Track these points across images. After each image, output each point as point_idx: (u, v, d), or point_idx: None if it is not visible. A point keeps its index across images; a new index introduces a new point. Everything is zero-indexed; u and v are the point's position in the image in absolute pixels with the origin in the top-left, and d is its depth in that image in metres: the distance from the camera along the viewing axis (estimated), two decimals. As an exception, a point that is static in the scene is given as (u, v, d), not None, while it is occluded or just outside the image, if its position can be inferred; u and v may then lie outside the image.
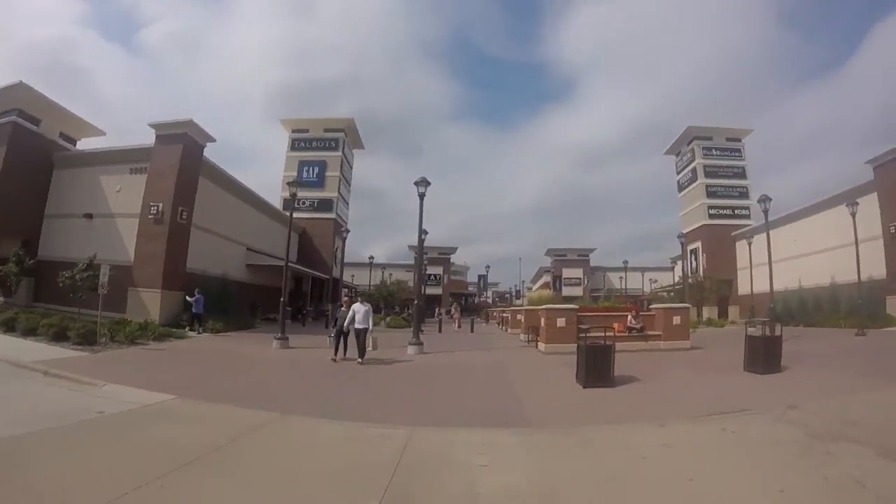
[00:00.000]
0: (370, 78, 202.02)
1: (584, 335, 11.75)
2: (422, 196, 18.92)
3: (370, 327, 14.76)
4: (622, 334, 16.99)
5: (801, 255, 37.54)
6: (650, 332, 18.21)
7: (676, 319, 18.50)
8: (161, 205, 24.90)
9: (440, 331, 32.01)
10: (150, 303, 23.66)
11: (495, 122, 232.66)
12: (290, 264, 36.39)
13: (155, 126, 26.18)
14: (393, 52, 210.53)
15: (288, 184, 25.74)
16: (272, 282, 35.69)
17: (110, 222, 27.04)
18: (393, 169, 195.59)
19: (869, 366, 12.80)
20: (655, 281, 71.44)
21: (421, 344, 17.11)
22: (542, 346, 17.68)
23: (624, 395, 9.84)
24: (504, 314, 39.08)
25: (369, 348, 15.14)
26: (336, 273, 49.87)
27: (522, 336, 23.39)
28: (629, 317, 18.31)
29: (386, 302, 47.29)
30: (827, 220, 35.60)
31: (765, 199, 23.72)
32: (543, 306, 18.32)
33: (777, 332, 12.73)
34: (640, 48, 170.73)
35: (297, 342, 19.19)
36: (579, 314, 17.59)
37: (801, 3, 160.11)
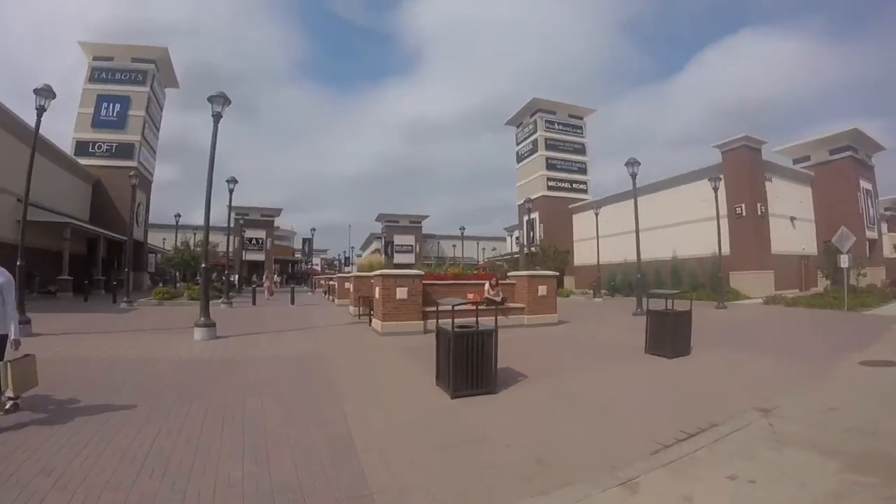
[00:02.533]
0: (210, 26, 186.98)
1: (437, 310, 8.88)
2: (216, 116, 13.39)
3: (13, 334, 5.82)
4: (477, 307, 13.89)
5: (646, 229, 37.31)
6: (512, 305, 15.23)
7: (542, 289, 15.83)
8: None
9: (254, 303, 27.09)
10: None
11: (337, 87, 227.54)
12: (78, 222, 31.36)
13: None
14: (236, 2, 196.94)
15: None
16: (54, 244, 29.48)
17: None
18: (227, 129, 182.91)
19: (768, 341, 12.75)
20: (494, 249, 70.70)
21: (212, 325, 12.42)
22: (377, 324, 13.81)
23: (517, 410, 6.29)
24: (331, 282, 34.90)
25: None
26: (138, 234, 42.55)
27: (352, 309, 19.60)
28: (486, 286, 15.11)
29: (188, 268, 41.08)
30: (675, 197, 37.90)
31: (633, 163, 21.81)
32: (377, 272, 14.38)
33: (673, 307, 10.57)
34: (486, 35, 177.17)
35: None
36: (424, 283, 13.99)
37: (639, 16, 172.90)
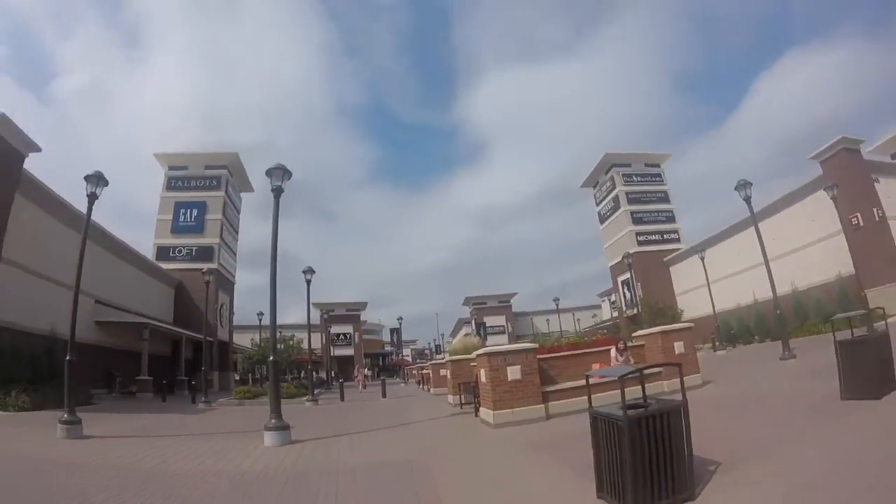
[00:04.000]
0: (286, 143, 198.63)
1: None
2: (276, 192, 11.67)
3: None
4: (603, 380, 11.30)
5: (748, 267, 33.80)
6: (648, 370, 12.29)
7: (679, 346, 12.96)
8: None
9: (342, 398, 24.81)
10: None
11: (407, 185, 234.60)
12: (156, 322, 30.87)
13: None
14: (309, 118, 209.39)
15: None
16: (134, 345, 29.02)
17: None
18: (308, 232, 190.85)
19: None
20: (594, 315, 66.68)
21: (284, 428, 10.21)
22: (486, 413, 10.98)
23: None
24: (424, 371, 32.43)
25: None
26: (223, 334, 42.23)
27: (451, 398, 16.99)
28: (612, 353, 12.36)
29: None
30: (777, 226, 32.60)
31: (744, 185, 19.61)
32: (480, 351, 11.70)
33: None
34: (543, 116, 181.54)
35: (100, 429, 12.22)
36: (539, 357, 11.22)
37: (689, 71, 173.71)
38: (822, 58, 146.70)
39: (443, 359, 23.56)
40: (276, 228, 11.37)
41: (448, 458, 7.97)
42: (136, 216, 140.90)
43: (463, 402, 15.19)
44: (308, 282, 24.28)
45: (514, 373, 10.33)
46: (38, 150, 20.76)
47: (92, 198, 13.34)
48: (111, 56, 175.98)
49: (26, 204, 20.88)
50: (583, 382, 10.67)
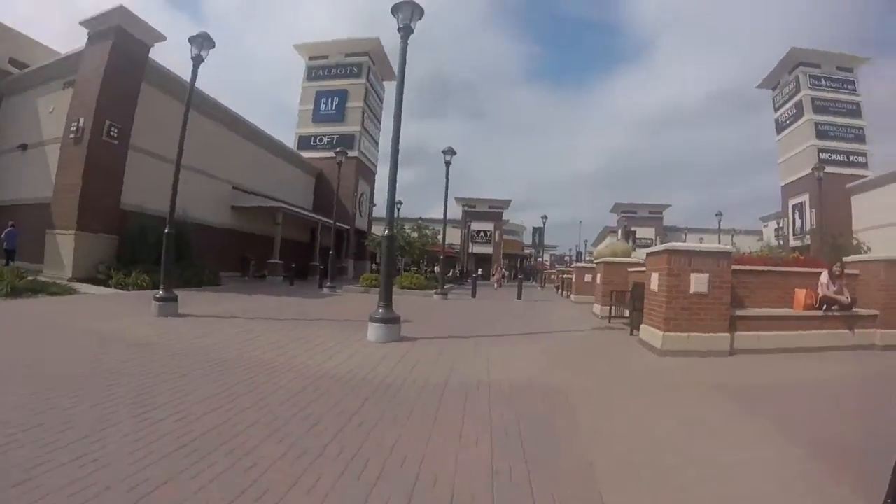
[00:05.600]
0: (441, 38, 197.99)
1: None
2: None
3: None
4: (808, 312, 8.65)
5: None
6: (860, 312, 9.09)
7: None
8: (81, 119, 18.41)
9: (474, 295, 23.03)
10: (64, 249, 17.83)
11: (565, 84, 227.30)
12: (289, 206, 30.36)
13: (86, 24, 19.42)
14: (465, 12, 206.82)
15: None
16: (269, 230, 29.46)
17: (40, 151, 21.34)
18: (458, 133, 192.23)
19: None
20: (759, 240, 60.07)
21: (394, 320, 8.42)
22: (650, 333, 8.40)
23: None
24: (565, 275, 29.97)
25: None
26: (362, 223, 42.06)
27: (598, 308, 14.50)
28: (823, 278, 9.19)
29: (404, 254, 39.08)
30: None
31: None
32: (659, 247, 8.88)
33: None
34: (721, 6, 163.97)
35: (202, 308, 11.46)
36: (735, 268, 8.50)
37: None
38: None
39: (590, 262, 21.17)
40: (403, 73, 9.41)
41: (600, 392, 5.59)
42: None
43: (613, 314, 12.80)
44: (447, 163, 22.23)
45: (699, 283, 7.70)
46: (163, 39, 20.58)
47: (197, 60, 11.95)
48: None
49: (153, 92, 20.77)
50: (785, 311, 7.93)
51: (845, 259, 10.67)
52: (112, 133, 18.85)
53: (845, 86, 43.73)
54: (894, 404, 5.47)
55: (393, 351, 7.29)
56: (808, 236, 38.02)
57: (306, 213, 33.68)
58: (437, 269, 31.68)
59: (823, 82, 43.38)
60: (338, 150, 26.50)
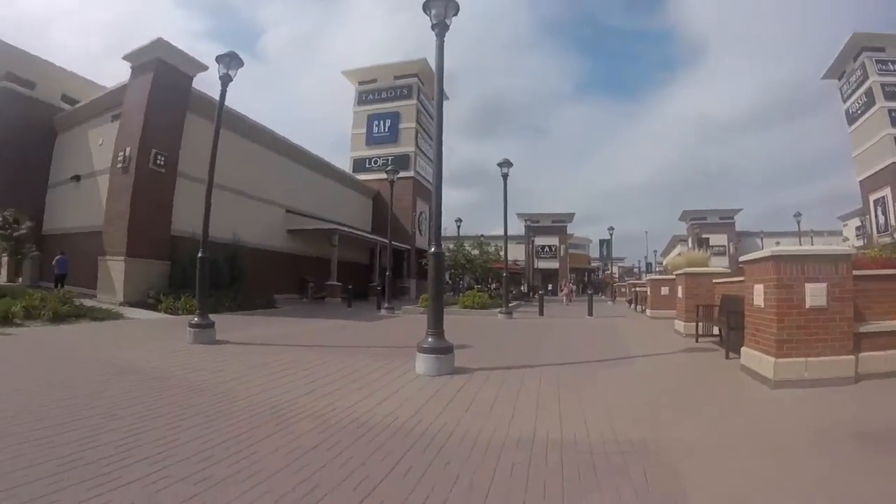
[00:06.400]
0: (493, 62, 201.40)
1: None
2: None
3: None
4: None
5: None
6: None
7: None
8: (128, 149, 19.33)
9: (541, 313, 21.42)
10: (115, 274, 18.61)
11: (618, 94, 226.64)
12: (345, 228, 30.29)
13: (128, 57, 20.51)
14: (514, 35, 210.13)
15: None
16: (326, 252, 29.72)
17: (93, 182, 22.60)
18: (516, 152, 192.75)
19: None
20: (846, 240, 55.99)
21: (446, 351, 7.14)
22: (759, 360, 6.68)
23: None
24: (638, 289, 28.10)
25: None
26: (422, 243, 41.58)
27: (681, 325, 12.94)
28: None
29: (465, 271, 37.85)
30: None
31: None
32: (764, 253, 6.81)
33: None
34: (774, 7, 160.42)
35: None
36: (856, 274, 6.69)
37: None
38: None
39: (664, 273, 19.53)
40: (442, 72, 8.44)
41: (714, 453, 4.04)
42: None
43: (701, 332, 11.28)
44: (504, 176, 21.03)
45: (815, 295, 6.14)
46: (205, 69, 21.21)
47: (225, 79, 11.47)
48: (309, 8, 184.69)
49: (199, 121, 21.02)
50: None
51: None
52: (159, 161, 19.44)
53: None
54: None
55: (443, 387, 6.10)
56: (893, 233, 35.14)
57: (363, 233, 33.55)
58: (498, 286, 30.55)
59: (891, 66, 40.27)
60: (389, 168, 25.96)
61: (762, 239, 59.35)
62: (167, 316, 15.90)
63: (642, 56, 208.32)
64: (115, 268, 18.40)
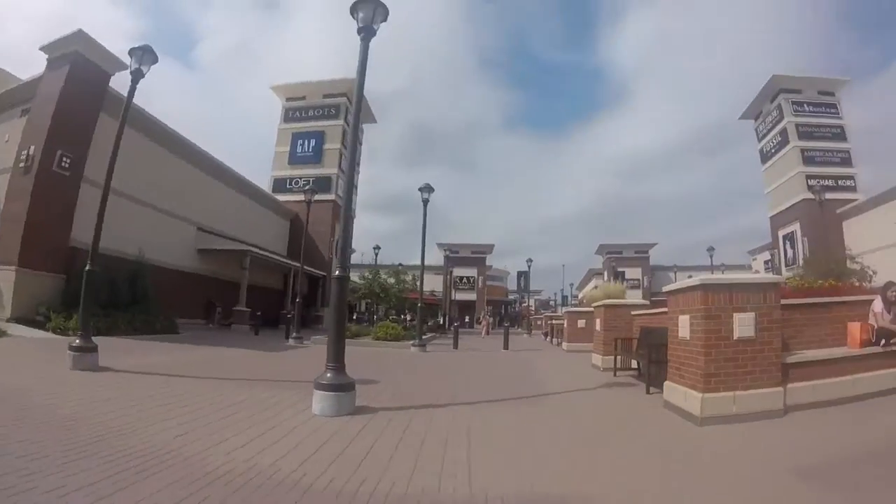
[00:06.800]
0: (426, 91, 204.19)
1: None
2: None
3: None
4: (865, 350, 6.96)
5: None
6: None
7: None
8: (31, 147, 17.73)
9: (455, 346, 20.97)
10: (4, 285, 16.75)
11: (545, 130, 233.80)
12: (258, 251, 28.23)
13: (45, 49, 18.97)
14: (450, 64, 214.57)
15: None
16: (238, 275, 27.44)
17: None
18: (441, 181, 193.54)
19: None
20: (757, 272, 58.66)
21: (346, 388, 6.29)
22: (686, 396, 6.23)
23: None
24: (555, 321, 27.68)
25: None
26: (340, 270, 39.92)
27: (598, 359, 12.62)
28: (876, 305, 7.53)
29: (380, 301, 37.04)
30: None
31: None
32: (693, 282, 6.42)
33: None
34: (696, 52, 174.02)
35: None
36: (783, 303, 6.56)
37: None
38: None
39: (579, 305, 19.46)
40: (363, 78, 7.79)
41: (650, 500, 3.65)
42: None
43: (618, 366, 10.99)
44: (425, 201, 20.35)
45: (744, 325, 5.88)
46: (125, 67, 19.30)
47: (136, 75, 10.67)
48: (250, 19, 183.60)
49: (113, 124, 19.31)
50: (841, 351, 7.07)
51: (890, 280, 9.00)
52: (64, 164, 17.91)
53: (828, 110, 43.99)
54: None
55: (340, 431, 5.31)
56: (800, 266, 36.71)
57: (277, 257, 31.88)
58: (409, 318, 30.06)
59: (806, 108, 43.55)
60: (307, 188, 25.06)
61: (675, 273, 61.63)
62: (55, 336, 14.17)
63: (571, 93, 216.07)
64: (4, 278, 16.67)
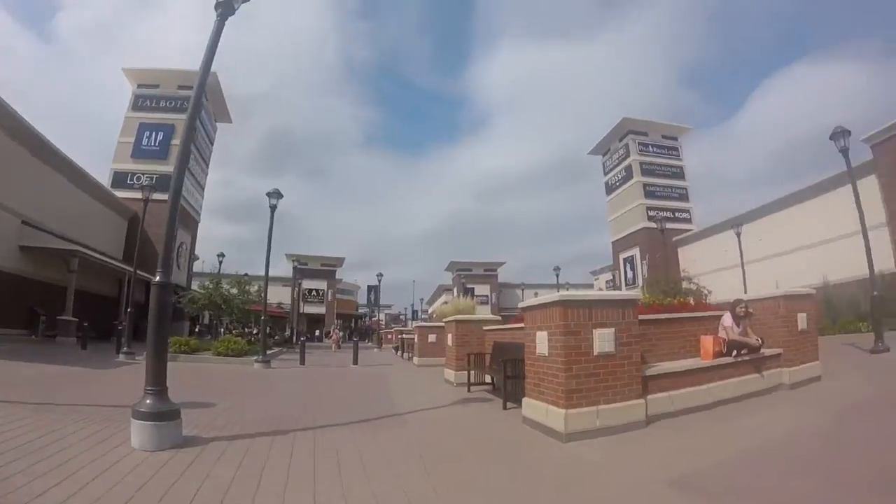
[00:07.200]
0: (289, 96, 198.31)
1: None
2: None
3: None
4: (717, 361, 7.51)
5: (777, 253, 33.22)
6: (767, 352, 8.13)
7: (802, 319, 8.96)
8: None
9: (302, 361, 19.53)
10: None
11: (407, 150, 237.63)
12: (88, 252, 25.01)
13: None
14: (315, 72, 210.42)
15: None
16: (64, 279, 24.16)
17: None
18: (297, 190, 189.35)
19: None
20: (601, 289, 62.34)
21: (169, 418, 5.31)
22: (548, 413, 5.94)
23: None
24: (405, 335, 27.25)
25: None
26: (180, 278, 37.06)
27: (451, 375, 12.30)
28: (725, 321, 8.09)
29: (222, 312, 34.56)
30: (811, 212, 31.45)
31: (842, 134, 15.04)
32: (554, 297, 6.17)
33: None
34: (555, 92, 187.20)
35: None
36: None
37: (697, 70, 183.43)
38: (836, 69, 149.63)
39: (430, 320, 19.10)
40: (212, 55, 7.00)
41: None
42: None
43: (473, 381, 10.71)
44: (273, 207, 18.95)
45: (604, 340, 5.81)
46: None
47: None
48: None
49: None
50: (695, 362, 7.50)
51: (746, 298, 9.50)
52: None
53: (670, 152, 50.26)
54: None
55: (162, 470, 4.40)
56: (641, 286, 39.90)
57: (111, 261, 28.55)
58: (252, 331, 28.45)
59: (651, 148, 49.74)
60: (144, 185, 22.81)
61: (523, 290, 65.39)
62: None
63: (434, 116, 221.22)
64: None
